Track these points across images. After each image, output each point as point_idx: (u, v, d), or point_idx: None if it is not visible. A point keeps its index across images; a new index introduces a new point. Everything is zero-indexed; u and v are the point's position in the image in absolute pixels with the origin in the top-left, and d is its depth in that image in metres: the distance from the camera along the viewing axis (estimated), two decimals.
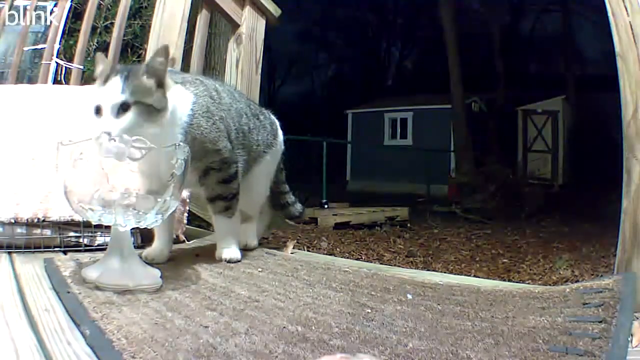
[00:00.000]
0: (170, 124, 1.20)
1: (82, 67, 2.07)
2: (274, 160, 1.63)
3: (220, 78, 2.34)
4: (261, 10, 2.26)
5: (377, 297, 1.12)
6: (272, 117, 1.65)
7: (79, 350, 0.76)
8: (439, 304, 1.07)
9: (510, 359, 0.79)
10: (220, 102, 1.37)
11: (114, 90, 1.10)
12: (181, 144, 1.12)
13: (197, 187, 1.43)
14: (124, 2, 2.11)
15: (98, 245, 1.51)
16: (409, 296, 1.13)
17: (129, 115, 1.10)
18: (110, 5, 3.61)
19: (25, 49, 2.24)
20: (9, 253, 1.39)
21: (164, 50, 1.17)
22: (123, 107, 1.09)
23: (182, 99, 1.25)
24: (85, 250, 1.48)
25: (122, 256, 1.10)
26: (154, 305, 0.99)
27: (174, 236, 1.63)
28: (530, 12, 18.88)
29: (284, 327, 0.90)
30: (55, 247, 1.48)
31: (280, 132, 1.66)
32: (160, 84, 1.16)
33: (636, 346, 0.89)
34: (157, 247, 1.38)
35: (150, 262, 1.26)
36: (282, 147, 1.68)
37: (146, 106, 1.12)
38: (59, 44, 2.14)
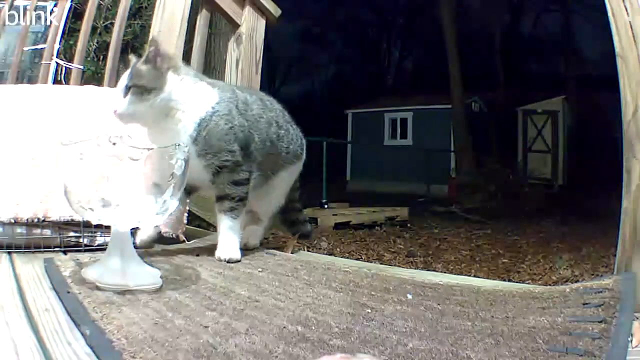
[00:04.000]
0: (181, 108, 1.37)
1: (82, 67, 2.07)
2: (296, 172, 1.67)
3: (221, 78, 2.34)
4: (261, 10, 2.26)
5: (377, 297, 1.12)
6: (301, 134, 1.69)
7: (79, 350, 0.76)
8: (439, 304, 1.07)
9: (510, 359, 0.79)
10: (247, 112, 1.47)
11: (125, 77, 1.35)
12: (181, 144, 1.12)
13: (204, 189, 1.49)
14: (124, 2, 2.11)
15: (98, 245, 1.51)
16: (409, 296, 1.13)
17: (128, 95, 1.32)
18: (110, 5, 3.61)
19: (25, 49, 2.24)
20: (9, 253, 1.39)
21: (153, 41, 1.39)
22: (127, 89, 1.32)
23: (204, 95, 1.40)
24: (85, 250, 1.48)
25: (122, 256, 1.10)
26: (154, 305, 0.99)
27: (174, 236, 1.64)
28: (530, 12, 18.88)
29: (284, 327, 0.90)
30: (55, 247, 1.48)
31: (304, 150, 1.69)
32: (156, 67, 1.35)
33: (636, 346, 0.89)
34: (146, 231, 1.45)
35: (140, 246, 1.36)
36: (301, 167, 1.70)
37: (139, 87, 1.32)
38: (59, 44, 2.14)
